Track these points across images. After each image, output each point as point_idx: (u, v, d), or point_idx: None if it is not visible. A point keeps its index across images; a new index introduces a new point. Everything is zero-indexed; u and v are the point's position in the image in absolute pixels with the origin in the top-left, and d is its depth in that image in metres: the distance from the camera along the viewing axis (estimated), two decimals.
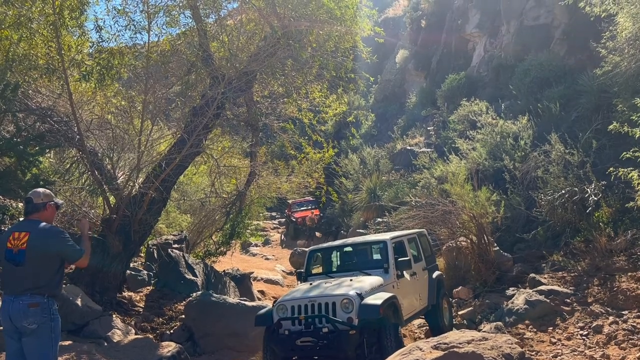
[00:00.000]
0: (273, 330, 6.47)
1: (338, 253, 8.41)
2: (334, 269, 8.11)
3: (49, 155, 9.03)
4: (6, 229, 7.51)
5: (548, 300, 8.25)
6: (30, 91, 8.16)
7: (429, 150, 17.85)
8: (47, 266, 4.01)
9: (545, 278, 9.24)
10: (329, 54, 9.19)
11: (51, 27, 7.62)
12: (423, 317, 8.68)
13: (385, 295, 6.52)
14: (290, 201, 21.14)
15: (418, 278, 8.06)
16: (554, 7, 16.02)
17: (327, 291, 6.60)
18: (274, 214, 25.60)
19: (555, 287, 8.67)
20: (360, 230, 16.37)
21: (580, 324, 7.62)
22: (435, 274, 8.78)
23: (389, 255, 7.43)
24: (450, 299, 10.13)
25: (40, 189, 4.30)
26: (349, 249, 8.47)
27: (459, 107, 17.42)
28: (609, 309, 7.75)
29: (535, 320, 8.06)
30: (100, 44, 8.15)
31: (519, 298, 8.56)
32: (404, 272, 7.51)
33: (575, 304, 8.18)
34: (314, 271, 8.17)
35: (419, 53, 25.46)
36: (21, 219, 7.37)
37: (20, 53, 7.72)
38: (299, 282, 7.97)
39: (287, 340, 6.33)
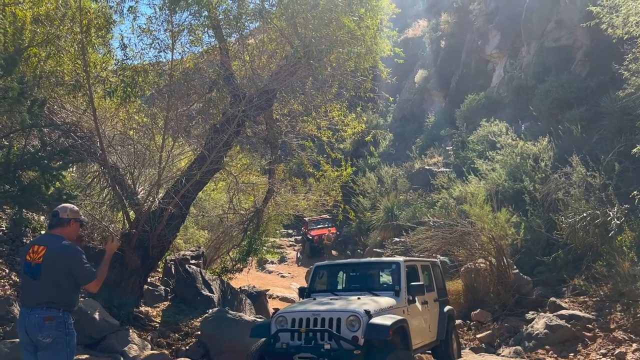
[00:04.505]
0: (269, 343, 6.06)
1: (346, 271, 7.91)
2: (340, 288, 7.63)
3: (71, 169, 9.18)
4: (28, 242, 7.64)
5: (569, 325, 8.09)
6: (55, 107, 8.33)
7: (447, 170, 17.76)
8: (63, 281, 4.01)
9: (566, 302, 9.08)
10: (348, 74, 9.25)
11: (78, 44, 7.80)
12: (430, 352, 8.16)
13: (395, 317, 6.11)
14: (307, 219, 21.13)
15: (429, 308, 7.61)
16: (576, 29, 15.98)
17: (333, 306, 6.24)
18: (290, 231, 25.58)
19: (577, 312, 8.50)
20: (377, 250, 16.30)
21: (603, 351, 7.45)
22: (447, 308, 8.22)
23: (401, 278, 6.99)
24: (468, 322, 9.99)
25: (69, 205, 4.32)
26: (358, 267, 8.03)
27: (479, 127, 17.37)
28: (632, 335, 7.58)
29: (555, 345, 7.90)
30: (125, 61, 8.28)
31: (539, 322, 8.41)
32: (416, 298, 7.08)
33: (597, 330, 8.01)
34: (318, 288, 7.64)
35: (439, 73, 25.52)
36: (43, 232, 7.50)
37: (48, 70, 7.89)
38: (301, 298, 7.55)
39: (284, 355, 5.93)
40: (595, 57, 15.08)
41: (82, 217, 4.38)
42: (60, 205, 4.29)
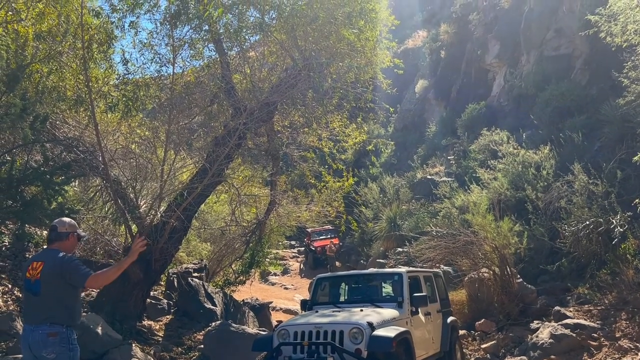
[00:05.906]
0: (272, 357, 6.01)
1: (348, 283, 7.88)
2: (343, 300, 7.59)
3: (74, 184, 9.21)
4: (30, 257, 7.65)
5: (574, 335, 8.03)
6: (57, 122, 8.39)
7: (449, 179, 17.74)
8: (63, 296, 3.98)
9: (570, 311, 9.02)
10: (349, 85, 9.30)
11: (80, 60, 7.87)
12: None
13: (398, 328, 6.06)
14: (309, 230, 21.10)
15: (432, 319, 7.53)
16: (575, 38, 16.03)
17: (335, 319, 6.20)
18: (293, 242, 25.48)
19: (582, 321, 8.45)
20: (380, 260, 16.24)
21: None
22: (450, 318, 8.14)
23: (404, 289, 6.94)
24: (473, 332, 9.93)
25: (66, 219, 4.30)
26: (360, 279, 8.01)
27: (480, 136, 17.39)
28: (638, 344, 7.53)
29: (561, 355, 7.84)
30: (126, 76, 8.36)
31: (544, 332, 8.35)
32: (419, 309, 7.02)
33: (602, 339, 7.95)
34: (320, 300, 7.59)
35: (439, 83, 25.58)
36: (45, 247, 7.50)
37: (50, 85, 7.95)
38: (303, 311, 7.47)
39: None
40: (595, 65, 15.12)
41: (81, 231, 4.37)
42: (58, 220, 4.27)
